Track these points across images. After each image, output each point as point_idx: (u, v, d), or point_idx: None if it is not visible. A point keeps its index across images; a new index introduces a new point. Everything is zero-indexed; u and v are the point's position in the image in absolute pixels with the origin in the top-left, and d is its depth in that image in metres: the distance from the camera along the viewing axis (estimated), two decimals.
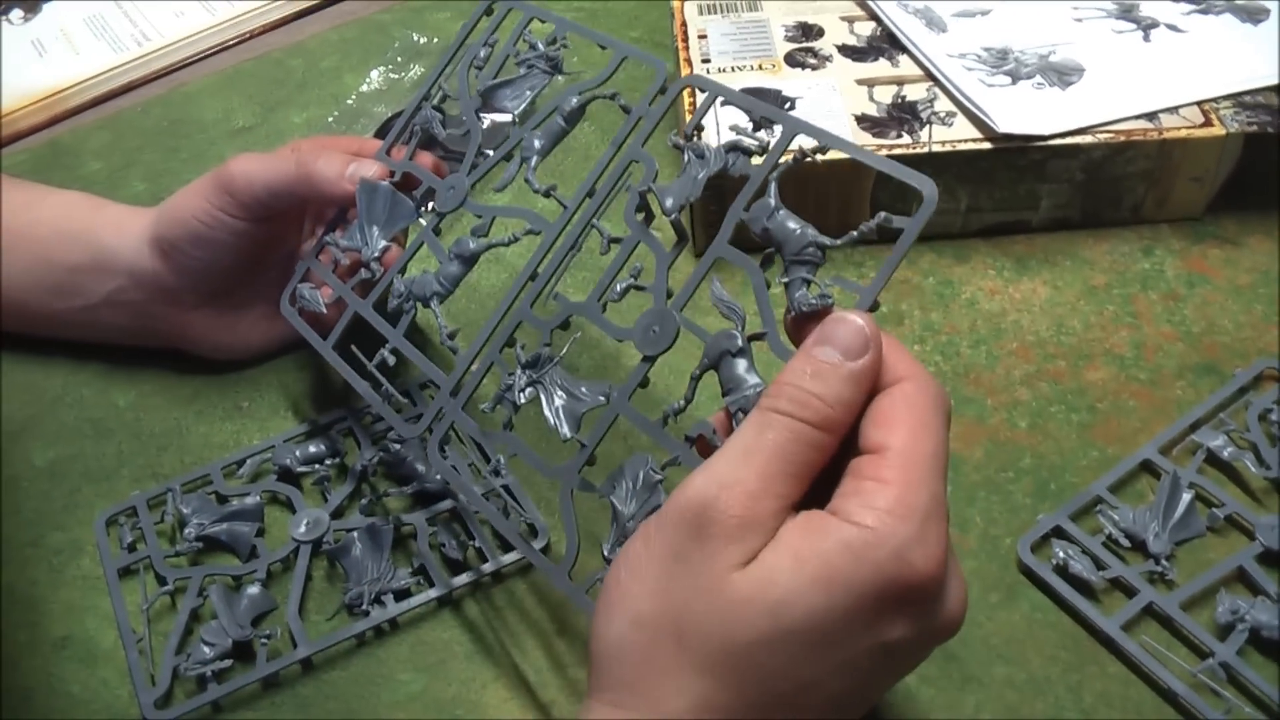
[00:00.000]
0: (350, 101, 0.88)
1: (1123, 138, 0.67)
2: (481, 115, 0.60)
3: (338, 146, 0.64)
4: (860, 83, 0.73)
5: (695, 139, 0.50)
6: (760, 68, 0.75)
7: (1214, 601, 0.53)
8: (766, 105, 0.48)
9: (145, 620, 0.57)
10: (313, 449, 0.64)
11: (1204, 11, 0.75)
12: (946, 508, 0.39)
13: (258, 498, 0.62)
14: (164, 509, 0.62)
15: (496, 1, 0.61)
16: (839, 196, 0.69)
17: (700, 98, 0.52)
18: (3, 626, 0.59)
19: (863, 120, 0.70)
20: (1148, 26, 0.74)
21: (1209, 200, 0.71)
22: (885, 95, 0.72)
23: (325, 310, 0.62)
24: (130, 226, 0.65)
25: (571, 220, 0.53)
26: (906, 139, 0.68)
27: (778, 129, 0.47)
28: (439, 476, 0.60)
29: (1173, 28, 0.74)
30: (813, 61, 0.75)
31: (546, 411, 0.50)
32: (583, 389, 0.50)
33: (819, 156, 0.46)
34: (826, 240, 0.44)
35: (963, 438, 0.61)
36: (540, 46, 0.59)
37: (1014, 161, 0.68)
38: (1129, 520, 0.56)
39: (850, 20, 0.78)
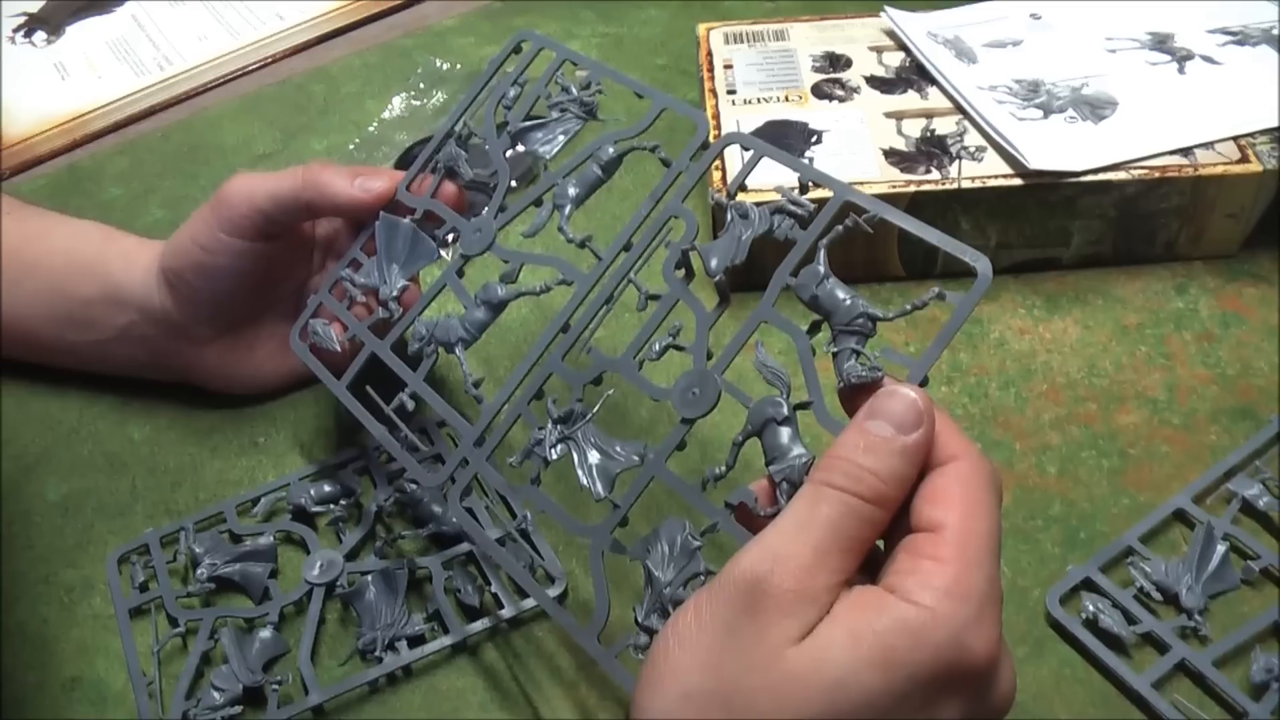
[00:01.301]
0: (372, 129, 0.87)
1: (1157, 174, 0.65)
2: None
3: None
4: (888, 115, 0.72)
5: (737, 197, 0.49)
6: (786, 99, 0.74)
7: (1249, 659, 0.52)
8: (815, 170, 0.47)
9: (156, 662, 0.57)
10: (328, 488, 0.63)
11: (1240, 42, 0.73)
12: (1001, 589, 0.39)
13: (271, 538, 0.61)
14: (177, 547, 0.61)
15: (526, 40, 0.60)
16: (863, 232, 0.68)
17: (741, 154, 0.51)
18: (14, 666, 0.58)
19: (890, 155, 0.68)
20: (1183, 58, 0.73)
21: (1245, 237, 0.69)
22: (914, 129, 0.70)
23: (340, 349, 0.61)
24: (139, 259, 0.65)
25: (606, 273, 0.52)
26: (935, 174, 0.67)
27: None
28: (456, 521, 0.59)
29: (1208, 59, 0.72)
30: (840, 93, 0.74)
31: (579, 470, 0.49)
32: (617, 448, 0.49)
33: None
34: (878, 312, 0.43)
35: None
36: (574, 90, 0.57)
37: (1045, 197, 0.66)
38: (1161, 572, 0.55)
39: (879, 50, 0.77)
